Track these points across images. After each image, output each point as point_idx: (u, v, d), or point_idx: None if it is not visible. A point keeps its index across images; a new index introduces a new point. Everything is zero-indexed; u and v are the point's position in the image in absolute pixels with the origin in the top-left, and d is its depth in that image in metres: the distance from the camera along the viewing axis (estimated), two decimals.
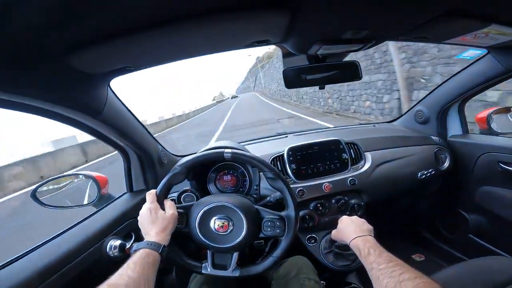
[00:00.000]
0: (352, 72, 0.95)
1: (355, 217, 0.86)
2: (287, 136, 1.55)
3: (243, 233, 0.76)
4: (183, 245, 0.82)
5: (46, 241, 0.76)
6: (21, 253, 0.69)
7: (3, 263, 0.65)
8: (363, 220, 0.84)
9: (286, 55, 0.93)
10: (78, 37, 0.53)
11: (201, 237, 0.77)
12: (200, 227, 0.78)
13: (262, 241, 1.09)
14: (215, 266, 0.80)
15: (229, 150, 0.83)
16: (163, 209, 0.77)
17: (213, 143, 1.17)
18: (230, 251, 0.79)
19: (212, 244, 0.77)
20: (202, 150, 1.06)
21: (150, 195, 0.78)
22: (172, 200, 1.05)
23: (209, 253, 0.80)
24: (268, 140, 1.55)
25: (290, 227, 0.80)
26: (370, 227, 0.81)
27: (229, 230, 0.77)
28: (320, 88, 0.98)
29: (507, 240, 1.22)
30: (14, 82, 0.53)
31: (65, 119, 0.74)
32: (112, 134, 0.91)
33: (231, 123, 12.50)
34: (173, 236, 0.75)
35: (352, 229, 0.79)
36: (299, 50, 0.82)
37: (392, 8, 0.63)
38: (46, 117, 0.69)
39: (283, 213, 0.82)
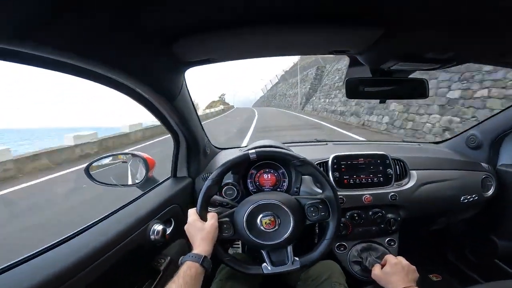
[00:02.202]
0: (418, 90, 0.91)
1: (406, 263, 0.82)
2: (327, 144, 1.55)
3: (292, 225, 0.78)
4: None
5: (96, 222, 0.79)
6: (73, 233, 0.71)
7: (52, 243, 0.66)
8: (413, 267, 0.81)
9: (352, 65, 0.89)
10: (188, 24, 0.55)
11: (253, 238, 0.79)
12: (249, 229, 0.79)
13: None
14: (273, 263, 0.82)
15: (253, 151, 0.85)
16: (205, 221, 0.79)
17: (257, 142, 1.18)
18: (285, 245, 0.80)
19: (265, 243, 0.79)
20: (244, 149, 1.07)
21: (191, 211, 0.81)
22: None
23: (264, 252, 0.82)
24: (309, 145, 1.54)
25: (334, 207, 0.82)
26: (417, 275, 0.80)
27: (277, 225, 0.79)
28: (380, 102, 0.95)
29: None
30: (115, 60, 0.55)
31: (142, 99, 0.77)
32: (175, 120, 0.93)
33: None
34: (225, 247, 0.77)
35: (400, 278, 0.77)
36: (371, 63, 0.80)
37: (489, 33, 0.59)
38: (127, 94, 0.71)
39: (322, 196, 0.84)
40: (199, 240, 0.74)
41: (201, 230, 0.76)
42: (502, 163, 1.35)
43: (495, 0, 0.45)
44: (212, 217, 0.80)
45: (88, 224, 0.76)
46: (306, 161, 0.85)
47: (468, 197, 1.24)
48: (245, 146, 1.27)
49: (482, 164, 1.33)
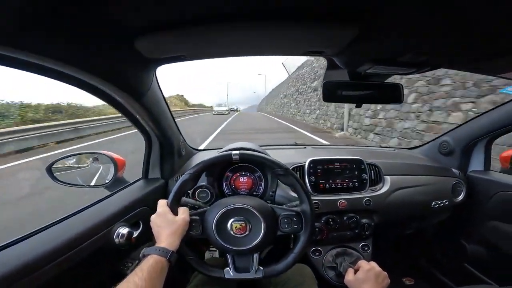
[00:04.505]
0: (393, 94, 0.91)
1: (378, 270, 0.82)
2: (305, 147, 1.56)
3: (262, 233, 0.77)
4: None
5: (58, 221, 0.75)
6: (30, 232, 0.68)
7: (8, 241, 0.63)
8: (385, 274, 0.82)
9: (330, 67, 0.89)
10: (151, 20, 0.53)
11: (220, 241, 0.76)
12: (218, 231, 0.77)
13: None
14: (237, 269, 0.79)
15: (237, 152, 0.83)
16: (176, 215, 0.76)
17: (233, 144, 1.16)
18: (251, 252, 0.78)
19: (232, 247, 0.77)
20: (221, 150, 1.04)
21: (161, 201, 0.78)
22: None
23: (229, 257, 0.80)
24: (288, 148, 1.55)
25: (307, 222, 0.81)
26: (388, 281, 0.81)
27: (247, 232, 0.77)
28: (357, 106, 0.95)
29: (501, 271, 1.23)
30: (77, 56, 0.53)
31: (108, 98, 0.73)
32: (145, 118, 0.90)
33: None
34: (191, 246, 0.75)
35: (371, 284, 0.78)
36: (347, 66, 0.79)
37: (462, 39, 0.60)
38: (92, 93, 0.68)
39: (298, 208, 0.82)
40: (168, 233, 0.70)
41: (171, 223, 0.72)
42: (472, 169, 1.39)
43: (469, 5, 0.45)
44: (183, 211, 0.77)
45: (46, 224, 0.72)
46: (289, 171, 0.83)
47: (439, 202, 1.27)
48: (221, 148, 1.24)
49: (453, 170, 1.37)
